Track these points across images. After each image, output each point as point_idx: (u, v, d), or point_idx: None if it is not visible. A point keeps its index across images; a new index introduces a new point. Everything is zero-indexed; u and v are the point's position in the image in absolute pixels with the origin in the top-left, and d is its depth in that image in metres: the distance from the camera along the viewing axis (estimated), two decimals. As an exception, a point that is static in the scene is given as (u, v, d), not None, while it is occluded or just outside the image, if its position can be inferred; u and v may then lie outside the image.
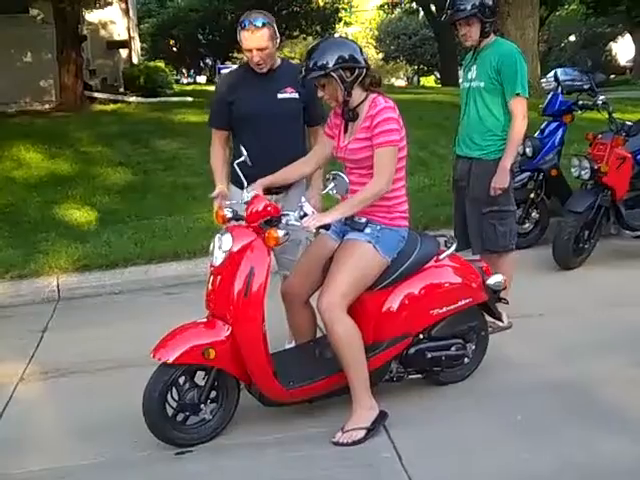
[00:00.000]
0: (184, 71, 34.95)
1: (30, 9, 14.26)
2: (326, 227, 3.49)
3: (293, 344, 4.20)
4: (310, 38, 32.10)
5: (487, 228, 4.71)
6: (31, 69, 14.32)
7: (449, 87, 20.31)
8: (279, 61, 4.22)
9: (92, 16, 16.34)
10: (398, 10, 38.92)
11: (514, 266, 4.86)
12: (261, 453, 3.57)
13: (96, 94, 14.63)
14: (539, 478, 3.26)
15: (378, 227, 3.67)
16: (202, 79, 33.51)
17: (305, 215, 3.46)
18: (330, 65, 3.50)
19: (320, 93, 3.66)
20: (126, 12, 17.81)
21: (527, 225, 6.62)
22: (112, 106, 13.66)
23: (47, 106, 14.04)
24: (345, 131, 3.76)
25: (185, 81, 32.15)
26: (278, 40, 4.12)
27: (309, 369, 3.75)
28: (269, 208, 3.55)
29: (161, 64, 18.65)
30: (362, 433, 3.58)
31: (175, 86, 18.77)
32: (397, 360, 3.86)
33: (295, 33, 28.99)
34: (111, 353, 4.84)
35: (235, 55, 27.23)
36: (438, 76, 36.49)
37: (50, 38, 13.59)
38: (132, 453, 3.63)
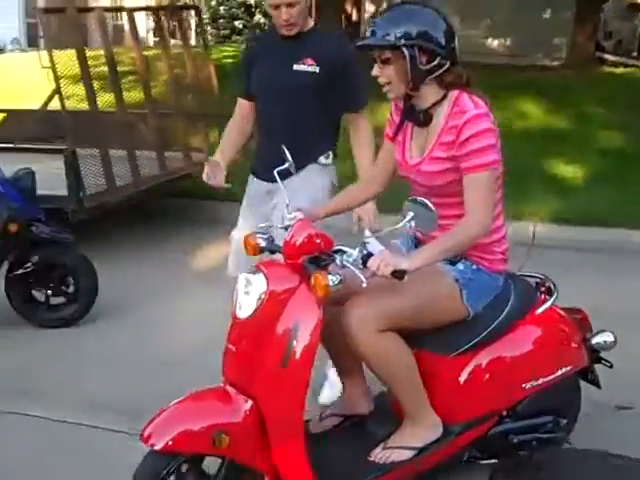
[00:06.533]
0: None
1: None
2: (401, 275, 2.47)
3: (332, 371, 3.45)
4: None
5: None
6: (547, 26, 14.63)
7: None
8: (311, 24, 3.47)
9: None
10: None
11: None
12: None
13: (607, 56, 14.43)
14: None
15: (474, 267, 2.79)
16: None
17: (370, 255, 2.50)
18: (405, 36, 2.55)
19: (376, 71, 2.67)
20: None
21: None
22: (621, 69, 13.36)
23: (555, 63, 14.27)
24: (410, 138, 2.82)
25: None
26: None
27: (357, 464, 2.81)
28: (318, 240, 2.60)
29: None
30: (408, 455, 2.80)
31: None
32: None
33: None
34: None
35: None
36: None
37: (572, -4, 13.71)
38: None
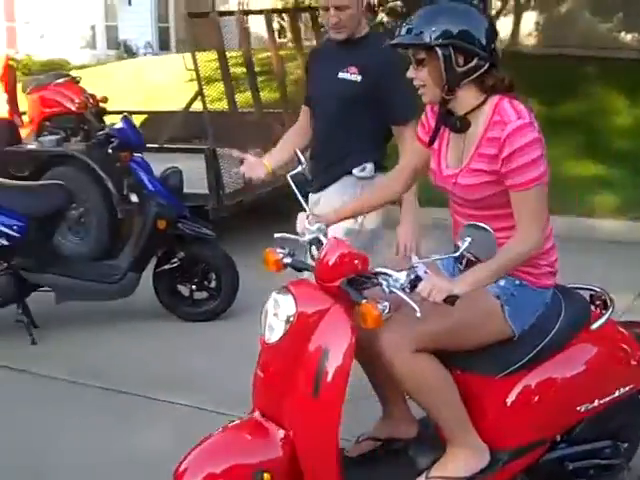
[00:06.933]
0: None
1: None
2: (453, 300, 2.28)
3: None
4: None
5: None
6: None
7: None
8: (365, 30, 3.35)
9: None
10: None
11: None
12: None
13: None
14: None
15: (517, 282, 2.57)
16: None
17: (418, 279, 2.27)
18: (439, 35, 2.36)
19: (411, 73, 2.49)
20: None
21: None
22: None
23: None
24: (447, 146, 2.61)
25: None
26: (364, 1, 3.31)
27: None
28: (356, 261, 2.41)
29: None
30: None
31: None
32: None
33: None
34: None
35: None
36: None
37: None
38: None
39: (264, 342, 2.45)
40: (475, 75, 2.42)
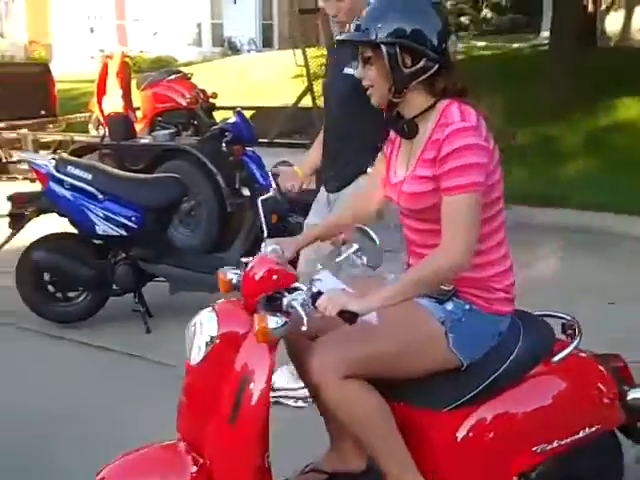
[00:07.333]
0: None
1: None
2: (352, 318, 2.10)
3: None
4: None
5: None
6: None
7: None
8: None
9: None
10: None
11: None
12: None
13: None
14: None
15: (466, 307, 2.33)
16: None
17: (319, 294, 2.16)
18: (386, 33, 2.22)
19: (360, 73, 2.36)
20: None
21: None
22: None
23: None
24: (397, 153, 2.44)
25: None
26: None
27: None
28: (274, 277, 2.25)
29: None
30: None
31: None
32: None
33: None
34: None
35: None
36: None
37: None
38: None
39: (188, 363, 2.35)
40: (424, 77, 2.28)
